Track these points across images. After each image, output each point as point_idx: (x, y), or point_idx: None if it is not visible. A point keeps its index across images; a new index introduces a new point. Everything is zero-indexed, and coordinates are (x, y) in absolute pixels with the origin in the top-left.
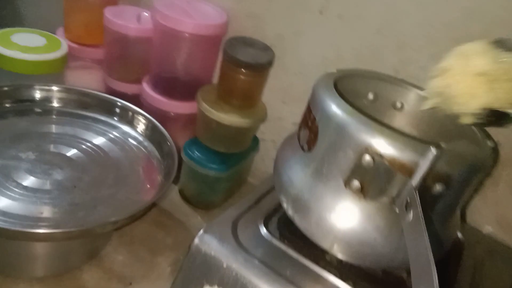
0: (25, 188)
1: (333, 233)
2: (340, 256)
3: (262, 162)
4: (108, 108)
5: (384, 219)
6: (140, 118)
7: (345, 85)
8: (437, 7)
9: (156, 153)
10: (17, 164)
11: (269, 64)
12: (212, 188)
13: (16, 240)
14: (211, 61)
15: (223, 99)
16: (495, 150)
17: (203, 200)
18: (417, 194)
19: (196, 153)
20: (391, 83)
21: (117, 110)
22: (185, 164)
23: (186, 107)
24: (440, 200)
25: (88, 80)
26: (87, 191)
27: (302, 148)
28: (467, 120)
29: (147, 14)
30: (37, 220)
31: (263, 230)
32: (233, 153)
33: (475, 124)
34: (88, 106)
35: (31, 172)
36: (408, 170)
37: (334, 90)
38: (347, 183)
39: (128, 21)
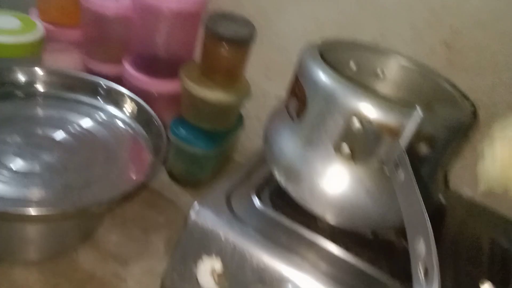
0: (15, 171)
1: (326, 198)
2: (332, 220)
3: (247, 139)
4: (92, 90)
5: (374, 182)
6: (126, 98)
7: (328, 56)
8: None
9: (144, 132)
10: (3, 148)
11: (251, 37)
12: (200, 166)
13: (12, 222)
14: (192, 38)
15: (207, 76)
16: (475, 112)
17: (191, 179)
18: (406, 154)
19: (183, 132)
20: (373, 52)
21: (102, 91)
22: (173, 143)
23: (169, 86)
24: (425, 163)
25: (67, 62)
26: (78, 172)
27: (291, 118)
28: None
29: None
30: (30, 202)
31: (256, 201)
32: (219, 130)
33: None
34: (73, 88)
35: (19, 155)
36: (395, 132)
37: (321, 59)
38: (337, 148)
39: (106, 0)
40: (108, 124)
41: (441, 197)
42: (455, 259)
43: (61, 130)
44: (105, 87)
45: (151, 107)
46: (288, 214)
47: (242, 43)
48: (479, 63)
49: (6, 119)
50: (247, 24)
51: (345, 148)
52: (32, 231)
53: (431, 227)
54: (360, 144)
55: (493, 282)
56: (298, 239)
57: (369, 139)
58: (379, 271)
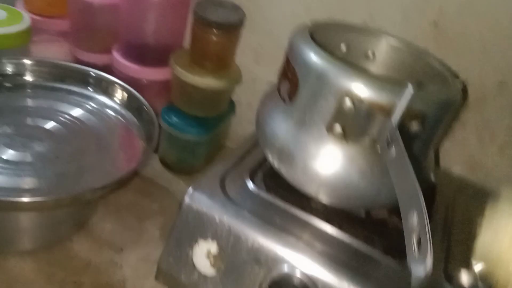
0: (6, 161)
1: (319, 178)
2: (325, 200)
3: (239, 125)
4: (82, 79)
5: (366, 161)
6: (116, 86)
7: (318, 38)
8: None
9: (135, 120)
10: None
11: (240, 22)
12: (192, 153)
13: (6, 211)
14: (180, 25)
15: (197, 62)
16: (464, 89)
17: (184, 166)
18: (398, 131)
19: (174, 119)
20: (363, 33)
21: (91, 80)
22: (164, 131)
23: (159, 73)
24: (416, 140)
25: (55, 53)
26: (70, 161)
27: (283, 100)
28: None
29: None
30: (24, 191)
31: (250, 184)
32: (210, 117)
33: None
34: (62, 78)
35: (10, 146)
36: (387, 110)
37: (311, 40)
38: (329, 128)
39: None
40: (99, 113)
41: (431, 175)
42: (447, 234)
43: (51, 120)
44: (94, 76)
45: (141, 95)
46: (282, 196)
47: (231, 28)
48: (468, 43)
49: None
50: (236, 9)
51: (337, 127)
52: (26, 221)
53: (423, 199)
54: (352, 124)
55: None
56: (292, 220)
57: (361, 118)
58: (372, 248)
